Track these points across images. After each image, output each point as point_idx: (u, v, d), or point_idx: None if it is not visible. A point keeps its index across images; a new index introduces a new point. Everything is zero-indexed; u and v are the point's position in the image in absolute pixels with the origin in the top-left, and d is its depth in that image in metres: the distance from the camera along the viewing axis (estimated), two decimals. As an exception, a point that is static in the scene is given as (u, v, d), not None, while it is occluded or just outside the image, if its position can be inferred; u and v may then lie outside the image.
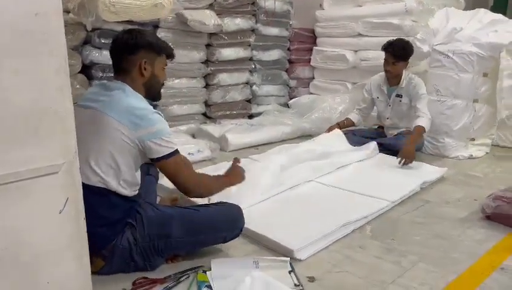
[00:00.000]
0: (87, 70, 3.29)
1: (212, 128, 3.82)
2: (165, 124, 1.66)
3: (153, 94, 1.79)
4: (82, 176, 1.58)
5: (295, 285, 1.65)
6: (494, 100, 3.39)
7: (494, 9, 4.97)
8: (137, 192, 1.75)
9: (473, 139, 3.52)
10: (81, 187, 1.10)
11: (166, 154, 1.62)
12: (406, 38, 3.46)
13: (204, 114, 4.18)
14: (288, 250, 1.85)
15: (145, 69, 1.70)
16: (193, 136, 3.82)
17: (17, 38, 0.90)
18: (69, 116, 1.02)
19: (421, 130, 3.19)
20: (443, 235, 2.13)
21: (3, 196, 0.93)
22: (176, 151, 1.64)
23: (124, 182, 1.63)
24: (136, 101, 1.64)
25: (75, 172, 1.06)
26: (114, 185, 1.61)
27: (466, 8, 4.35)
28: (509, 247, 2.01)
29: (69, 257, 1.09)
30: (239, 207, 1.85)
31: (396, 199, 2.46)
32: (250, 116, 4.49)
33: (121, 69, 1.72)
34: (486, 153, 3.60)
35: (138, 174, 1.75)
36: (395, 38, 3.39)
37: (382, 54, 3.43)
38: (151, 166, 2.20)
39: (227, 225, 1.79)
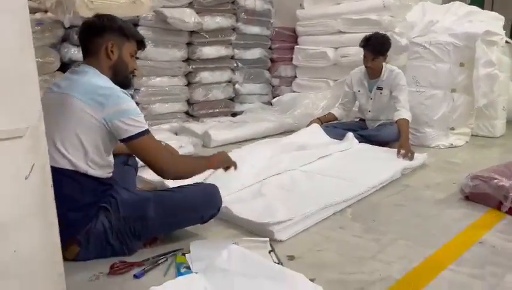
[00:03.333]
0: (66, 67, 3.26)
1: (194, 126, 3.81)
2: (133, 103, 1.62)
3: (120, 79, 1.72)
4: (50, 158, 1.58)
5: (275, 263, 1.64)
6: (471, 89, 3.44)
7: (472, 3, 5.07)
8: (110, 175, 1.72)
9: (453, 129, 3.57)
10: (47, 153, 1.08)
11: (136, 134, 1.57)
12: (382, 32, 3.49)
13: (187, 113, 4.17)
14: (268, 231, 1.84)
15: (112, 52, 1.68)
16: (176, 134, 3.80)
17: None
18: (32, 80, 1.00)
19: (407, 123, 3.22)
20: (422, 215, 2.15)
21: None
22: (146, 131, 1.60)
23: (92, 162, 1.60)
24: (101, 81, 1.61)
25: (40, 138, 1.04)
26: (83, 166, 1.58)
27: (444, 3, 4.44)
28: (488, 224, 2.03)
29: (36, 225, 1.07)
30: (215, 186, 1.82)
31: (377, 184, 2.48)
32: (233, 115, 4.49)
33: (88, 52, 1.70)
34: (466, 142, 3.65)
35: (110, 158, 1.73)
36: (371, 33, 3.39)
37: (362, 50, 3.47)
38: (130, 157, 2.18)
39: (204, 204, 1.76)
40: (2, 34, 0.93)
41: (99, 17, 1.73)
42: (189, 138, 3.40)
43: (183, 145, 3.26)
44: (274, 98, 4.94)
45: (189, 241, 1.77)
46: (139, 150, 1.62)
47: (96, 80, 1.61)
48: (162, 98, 3.88)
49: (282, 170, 2.61)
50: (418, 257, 1.71)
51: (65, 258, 1.64)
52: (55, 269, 1.13)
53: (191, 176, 1.77)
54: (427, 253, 1.74)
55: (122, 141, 1.61)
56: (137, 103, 3.71)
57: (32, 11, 3.76)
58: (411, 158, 2.89)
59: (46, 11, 3.50)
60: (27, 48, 0.97)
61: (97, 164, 1.63)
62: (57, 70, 3.22)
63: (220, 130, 3.69)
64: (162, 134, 3.51)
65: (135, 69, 1.82)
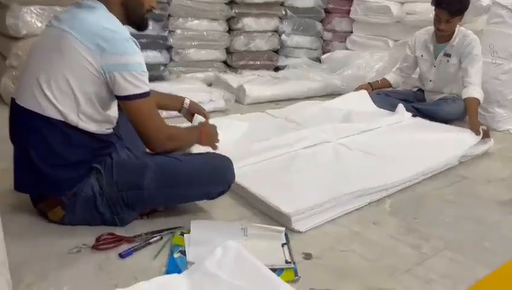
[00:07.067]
0: None
1: (230, 78, 3.48)
2: (140, 56, 1.38)
3: (134, 19, 1.49)
4: (34, 102, 1.34)
5: (286, 262, 1.36)
6: (561, 67, 2.86)
7: None
8: (109, 131, 1.48)
9: (529, 112, 3.02)
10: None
11: (132, 95, 1.35)
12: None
13: (225, 62, 3.84)
14: (285, 217, 1.55)
15: None
16: (210, 85, 3.51)
17: None
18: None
19: (477, 103, 2.72)
20: (478, 219, 1.77)
21: None
22: (146, 94, 1.38)
23: (84, 115, 1.37)
24: (107, 21, 1.36)
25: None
26: (73, 117, 1.36)
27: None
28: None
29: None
30: (228, 158, 1.55)
31: (427, 171, 2.08)
32: (276, 69, 4.11)
33: None
34: (545, 128, 3.10)
35: (112, 112, 1.48)
36: None
37: (431, 8, 2.93)
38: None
39: (212, 177, 1.50)
40: None
41: None
42: (222, 92, 3.10)
43: (214, 99, 2.99)
44: (324, 54, 4.48)
45: (192, 217, 1.54)
46: (132, 113, 1.41)
47: (101, 18, 1.36)
48: (198, 44, 3.55)
49: (316, 141, 2.26)
50: (467, 277, 1.37)
51: (50, 220, 1.48)
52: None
53: (178, 151, 1.55)
54: (480, 274, 1.39)
55: (117, 97, 1.38)
56: (171, 47, 3.45)
57: None
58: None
59: None
60: None
61: (90, 118, 1.40)
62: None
63: (257, 86, 3.35)
64: (194, 84, 3.25)
65: (153, 7, 1.52)
